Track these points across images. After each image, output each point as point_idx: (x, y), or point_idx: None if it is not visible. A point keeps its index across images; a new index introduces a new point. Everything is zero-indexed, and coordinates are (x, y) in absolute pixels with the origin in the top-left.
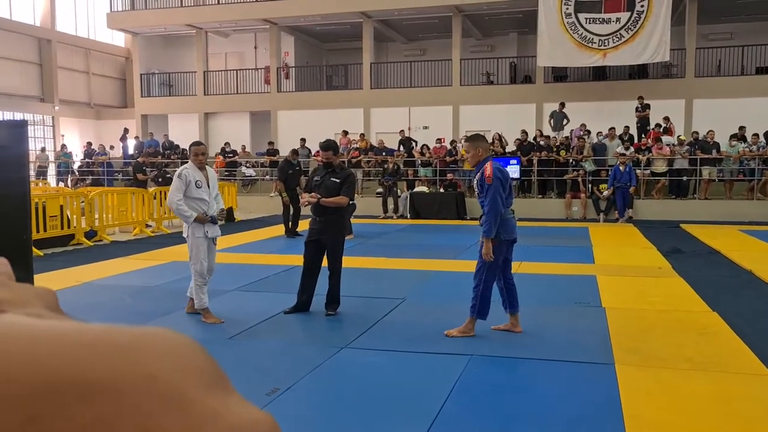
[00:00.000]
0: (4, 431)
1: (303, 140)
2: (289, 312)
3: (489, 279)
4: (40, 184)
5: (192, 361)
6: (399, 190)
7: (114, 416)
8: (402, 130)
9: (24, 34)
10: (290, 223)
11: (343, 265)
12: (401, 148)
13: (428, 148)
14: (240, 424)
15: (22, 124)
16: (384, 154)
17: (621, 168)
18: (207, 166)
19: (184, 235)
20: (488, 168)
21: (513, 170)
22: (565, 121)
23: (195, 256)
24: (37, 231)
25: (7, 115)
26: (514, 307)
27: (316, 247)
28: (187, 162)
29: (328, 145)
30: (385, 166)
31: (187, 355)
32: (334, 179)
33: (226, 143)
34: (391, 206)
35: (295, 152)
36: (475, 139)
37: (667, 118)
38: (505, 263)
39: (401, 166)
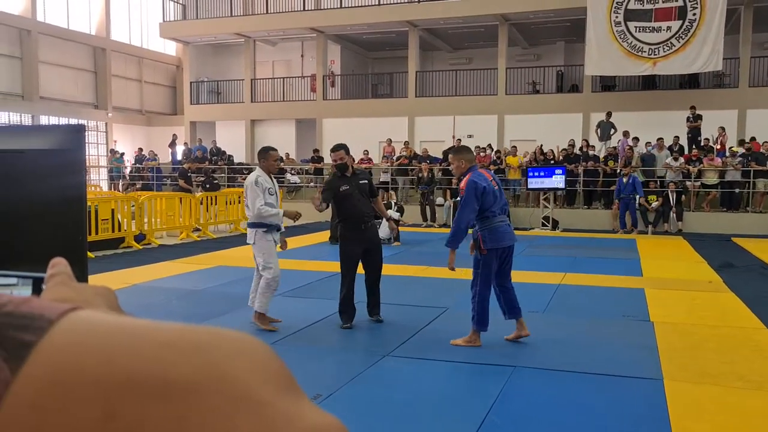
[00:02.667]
0: (82, 427)
1: None
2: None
3: (483, 289)
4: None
5: (267, 364)
6: (441, 199)
7: (190, 415)
8: (459, 139)
9: (80, 43)
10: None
11: (387, 273)
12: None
13: None
14: (312, 427)
15: (81, 129)
16: (428, 162)
17: (624, 180)
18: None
19: (251, 242)
20: (464, 180)
21: (558, 180)
22: (612, 130)
23: (266, 261)
24: (89, 234)
25: (63, 121)
26: (512, 314)
27: (358, 254)
28: (236, 166)
29: (340, 145)
30: (420, 175)
31: (262, 358)
32: (362, 182)
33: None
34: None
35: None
36: (459, 151)
37: (722, 128)
38: (501, 271)
39: (435, 174)
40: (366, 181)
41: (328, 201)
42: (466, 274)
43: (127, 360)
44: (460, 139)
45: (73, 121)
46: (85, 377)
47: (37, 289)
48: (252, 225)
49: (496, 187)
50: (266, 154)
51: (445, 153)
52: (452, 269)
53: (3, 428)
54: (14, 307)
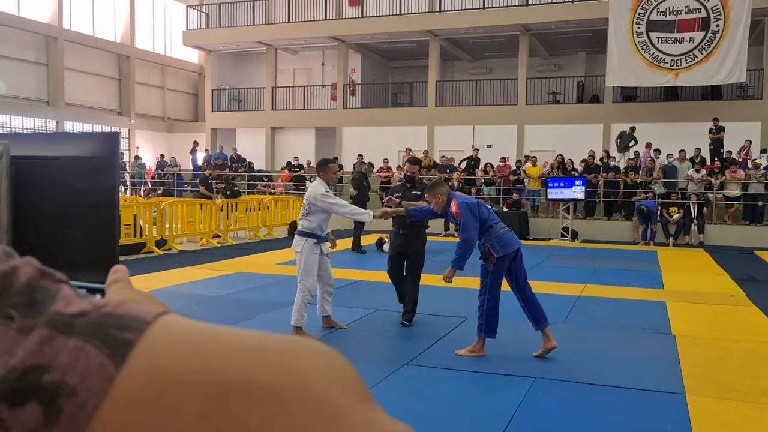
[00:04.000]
0: (181, 426)
1: (360, 156)
2: (407, 324)
3: (492, 298)
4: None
5: (345, 374)
6: None
7: (276, 419)
8: (477, 149)
9: (105, 51)
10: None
11: None
12: (461, 165)
13: (492, 167)
14: None
15: (114, 137)
16: (448, 171)
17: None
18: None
19: (297, 249)
20: (453, 205)
21: (578, 191)
22: (632, 142)
23: (307, 272)
24: None
25: (87, 127)
26: (539, 323)
27: (400, 260)
28: (255, 173)
29: (416, 160)
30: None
31: (341, 367)
32: (415, 192)
33: (295, 157)
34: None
35: (370, 165)
36: (431, 189)
37: (749, 141)
38: (517, 279)
39: (455, 184)
40: (419, 194)
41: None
42: None
43: (218, 363)
44: (477, 149)
45: (97, 128)
46: (181, 377)
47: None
48: (302, 234)
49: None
50: (326, 166)
51: (410, 161)
52: (448, 281)
53: (107, 420)
54: (112, 309)
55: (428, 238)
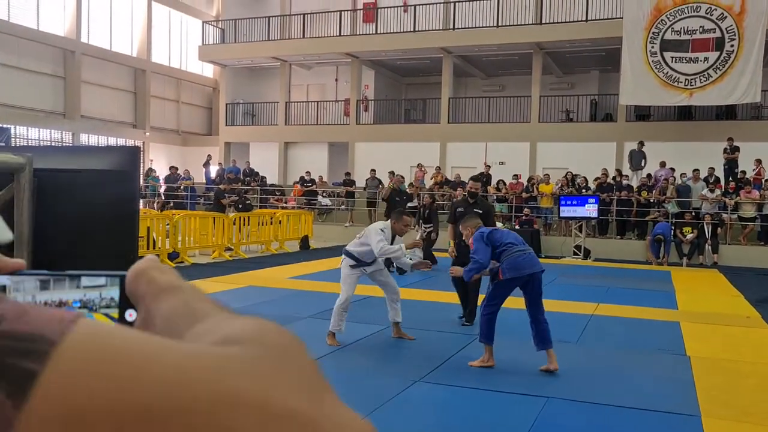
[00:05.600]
0: None
1: (373, 171)
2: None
3: (489, 309)
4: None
5: (295, 369)
6: None
7: None
8: (490, 166)
9: (122, 65)
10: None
11: (418, 298)
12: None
13: (504, 184)
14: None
15: (136, 151)
16: (461, 187)
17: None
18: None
19: (342, 267)
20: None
21: (591, 209)
22: (643, 162)
23: (343, 288)
24: None
25: (102, 140)
26: (541, 344)
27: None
28: (268, 187)
29: (479, 177)
30: (454, 200)
31: (291, 362)
32: (477, 210)
33: (307, 172)
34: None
35: (401, 178)
36: (465, 221)
37: (758, 161)
38: (530, 301)
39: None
40: (481, 212)
41: (450, 220)
42: None
43: (140, 386)
44: (489, 166)
45: (112, 140)
46: (95, 407)
47: (123, 286)
48: (347, 254)
49: (498, 228)
50: (401, 217)
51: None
52: (453, 273)
53: None
54: (10, 325)
55: (441, 254)
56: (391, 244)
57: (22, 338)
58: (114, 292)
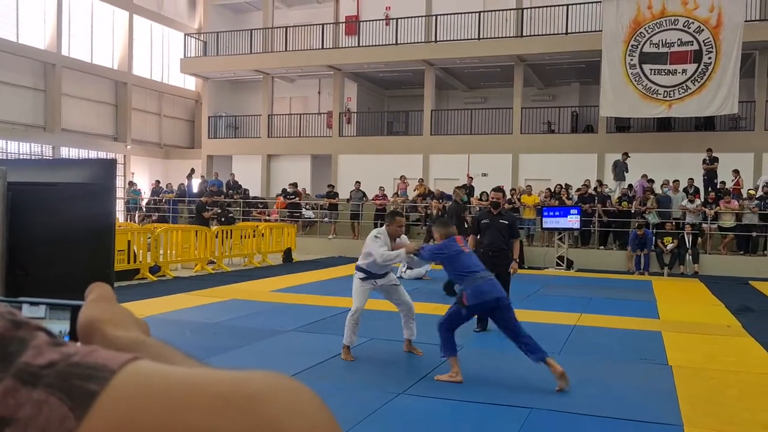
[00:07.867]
0: None
1: (358, 183)
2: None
3: (447, 324)
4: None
5: (317, 416)
6: None
7: None
8: (472, 177)
9: (103, 77)
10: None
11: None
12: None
13: (488, 195)
14: None
15: (112, 163)
16: (441, 201)
17: (638, 232)
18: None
19: (354, 280)
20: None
21: (574, 220)
22: (624, 172)
23: (354, 300)
24: None
25: (83, 153)
26: (535, 355)
27: None
28: (251, 200)
29: (500, 188)
30: (429, 211)
31: (312, 409)
32: (503, 221)
33: (290, 184)
34: None
35: (462, 191)
36: (438, 226)
37: (736, 171)
38: (506, 329)
39: (434, 212)
40: (507, 222)
41: (474, 231)
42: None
43: (184, 414)
44: (472, 177)
45: (93, 153)
46: (144, 425)
47: (75, 317)
48: (358, 269)
49: (467, 251)
50: (393, 219)
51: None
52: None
53: None
54: (80, 358)
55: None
56: (389, 246)
57: (89, 367)
58: (55, 326)
